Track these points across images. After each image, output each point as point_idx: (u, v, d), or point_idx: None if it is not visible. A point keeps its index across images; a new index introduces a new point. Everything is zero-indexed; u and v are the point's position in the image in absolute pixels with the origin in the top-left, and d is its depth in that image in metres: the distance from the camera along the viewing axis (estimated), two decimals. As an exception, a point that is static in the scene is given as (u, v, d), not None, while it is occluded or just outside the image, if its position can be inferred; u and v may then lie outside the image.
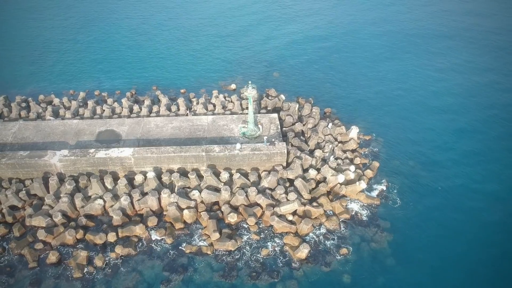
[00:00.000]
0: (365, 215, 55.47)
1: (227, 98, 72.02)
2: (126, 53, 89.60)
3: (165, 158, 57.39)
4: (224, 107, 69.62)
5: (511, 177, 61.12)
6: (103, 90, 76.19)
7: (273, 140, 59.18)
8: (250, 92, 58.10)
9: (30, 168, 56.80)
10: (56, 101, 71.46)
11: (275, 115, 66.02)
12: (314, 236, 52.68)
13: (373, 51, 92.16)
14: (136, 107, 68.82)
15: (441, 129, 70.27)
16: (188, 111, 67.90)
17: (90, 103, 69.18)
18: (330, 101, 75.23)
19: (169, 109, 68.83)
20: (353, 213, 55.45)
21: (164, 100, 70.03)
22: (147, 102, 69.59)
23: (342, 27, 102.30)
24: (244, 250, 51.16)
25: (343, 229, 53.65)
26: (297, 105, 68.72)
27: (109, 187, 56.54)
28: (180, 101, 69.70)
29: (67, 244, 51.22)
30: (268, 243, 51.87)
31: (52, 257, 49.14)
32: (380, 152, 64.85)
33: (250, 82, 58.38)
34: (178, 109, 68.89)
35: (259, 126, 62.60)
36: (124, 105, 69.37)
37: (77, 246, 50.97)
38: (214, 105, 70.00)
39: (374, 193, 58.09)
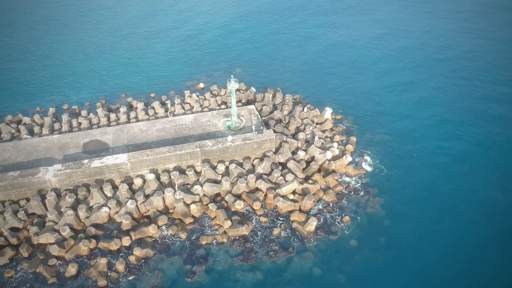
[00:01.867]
0: (355, 185, 60.55)
1: (200, 97, 73.94)
2: (87, 64, 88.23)
3: (161, 159, 58.55)
4: (200, 105, 71.50)
5: (469, 131, 69.70)
6: (71, 103, 74.75)
7: (261, 128, 62.49)
8: (233, 86, 60.76)
9: (23, 188, 55.33)
10: (26, 119, 69.29)
11: (253, 106, 69.25)
12: (317, 210, 56.82)
13: (322, 39, 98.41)
14: (113, 116, 68.83)
15: (399, 99, 77.88)
16: (168, 113, 69.05)
17: (65, 117, 68.01)
18: (295, 88, 79.66)
19: (147, 113, 69.50)
20: (345, 185, 60.33)
21: (139, 105, 70.50)
22: (123, 109, 69.65)
23: (285, 21, 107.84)
24: (257, 233, 54.11)
25: (340, 200, 58.29)
26: (271, 95, 72.47)
27: (109, 195, 56.67)
28: (156, 104, 70.69)
29: (81, 255, 51.00)
30: (277, 223, 55.18)
31: (72, 269, 48.84)
32: (353, 128, 70.48)
33: (232, 76, 61.01)
34: (156, 113, 69.79)
35: (241, 118, 65.58)
36: (100, 114, 68.99)
37: (92, 256, 51.05)
38: (190, 105, 71.71)
39: (359, 165, 63.42)
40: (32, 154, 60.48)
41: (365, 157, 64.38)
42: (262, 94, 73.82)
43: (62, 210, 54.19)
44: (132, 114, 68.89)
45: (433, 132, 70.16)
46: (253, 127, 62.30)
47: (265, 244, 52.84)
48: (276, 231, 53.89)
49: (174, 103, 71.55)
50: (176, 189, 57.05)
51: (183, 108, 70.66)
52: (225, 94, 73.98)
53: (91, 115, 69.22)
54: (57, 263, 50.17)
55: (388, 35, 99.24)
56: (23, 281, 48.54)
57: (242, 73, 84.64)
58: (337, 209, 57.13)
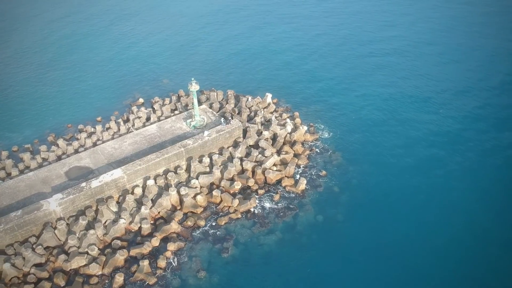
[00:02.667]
0: (316, 147, 72.06)
1: (147, 109, 77.96)
2: (16, 103, 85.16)
3: (152, 165, 62.47)
4: (157, 116, 75.70)
5: (391, 92, 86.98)
6: (19, 143, 72.50)
7: (229, 119, 70.06)
8: (195, 87, 67.29)
9: (30, 225, 54.58)
10: (-21, 168, 65.88)
11: (204, 106, 76.18)
12: (299, 173, 66.82)
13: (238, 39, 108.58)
14: (75, 144, 69.43)
15: (320, 77, 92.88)
16: (131, 127, 72.03)
17: (25, 156, 66.69)
18: (229, 85, 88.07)
19: (109, 133, 71.57)
20: (310, 149, 71.39)
21: (98, 128, 72.09)
22: (83, 135, 70.60)
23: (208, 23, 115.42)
24: (261, 203, 61.99)
25: (311, 161, 69.15)
26: (215, 94, 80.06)
27: (115, 209, 58.93)
28: (112, 124, 73.05)
29: (119, 266, 53.09)
30: (274, 192, 63.74)
31: (119, 279, 50.99)
32: (292, 105, 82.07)
33: (193, 78, 67.49)
34: (119, 129, 72.27)
35: (202, 116, 72.26)
36: (61, 146, 68.98)
37: (128, 264, 53.50)
38: (140, 118, 75.34)
39: (312, 132, 74.98)
40: (17, 195, 59.10)
41: (312, 126, 76.26)
42: (205, 96, 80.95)
43: (77, 234, 55.06)
44: (94, 138, 70.37)
45: (354, 98, 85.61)
46: (222, 120, 69.64)
47: (272, 209, 61.11)
48: (276, 197, 62.48)
49: (129, 119, 74.58)
50: (175, 187, 61.67)
51: (140, 121, 74.18)
52: (170, 102, 79.33)
53: (53, 147, 68.77)
54: (99, 280, 51.63)
55: (292, 29, 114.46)
56: (75, 305, 49.32)
57: (170, 82, 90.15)
58: (313, 168, 67.94)
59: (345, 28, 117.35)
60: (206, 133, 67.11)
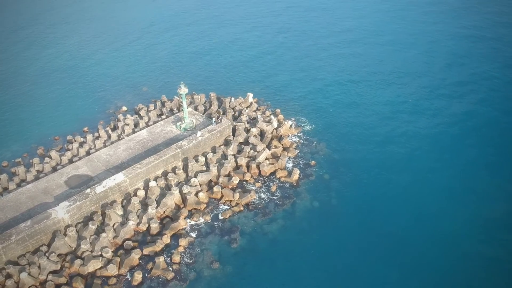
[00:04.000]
0: (302, 140, 76.34)
1: (134, 116, 79.39)
2: (2, 118, 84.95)
3: (152, 168, 64.37)
4: (145, 122, 77.28)
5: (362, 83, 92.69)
6: (8, 159, 72.08)
7: (220, 119, 72.95)
8: (184, 90, 69.75)
9: (40, 234, 55.11)
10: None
11: (190, 109, 78.61)
12: (290, 164, 70.68)
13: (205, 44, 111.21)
14: (68, 154, 69.93)
15: (293, 74, 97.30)
16: (122, 134, 73.31)
17: (20, 169, 66.64)
18: (202, 89, 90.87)
19: (101, 141, 72.50)
20: (296, 142, 75.52)
21: (89, 137, 72.87)
22: (75, 145, 71.22)
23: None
24: (260, 195, 65.27)
25: (299, 153, 73.24)
26: (199, 97, 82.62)
27: (121, 212, 60.36)
28: (102, 132, 74.06)
29: (134, 265, 54.66)
30: (270, 183, 67.22)
31: (138, 276, 52.62)
32: (272, 103, 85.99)
33: (182, 82, 69.93)
34: (109, 137, 73.35)
35: (191, 118, 74.77)
36: (54, 157, 69.35)
37: (143, 262, 55.22)
38: (129, 124, 76.75)
39: (295, 126, 79.19)
40: (20, 207, 59.28)
41: (294, 121, 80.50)
42: (188, 100, 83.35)
43: (88, 239, 56.16)
44: (86, 147, 71.18)
45: (325, 89, 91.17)
46: (213, 120, 72.43)
47: (270, 200, 64.58)
48: (273, 188, 66.01)
49: (118, 126, 75.81)
50: (177, 187, 63.82)
51: (129, 128, 75.56)
52: (155, 108, 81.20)
53: (47, 159, 68.97)
54: (117, 281, 53.03)
55: (258, 27, 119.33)
56: (97, 307, 50.62)
57: (149, 90, 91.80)
58: (302, 159, 72.03)
59: (303, 24, 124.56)
60: (199, 133, 69.68)
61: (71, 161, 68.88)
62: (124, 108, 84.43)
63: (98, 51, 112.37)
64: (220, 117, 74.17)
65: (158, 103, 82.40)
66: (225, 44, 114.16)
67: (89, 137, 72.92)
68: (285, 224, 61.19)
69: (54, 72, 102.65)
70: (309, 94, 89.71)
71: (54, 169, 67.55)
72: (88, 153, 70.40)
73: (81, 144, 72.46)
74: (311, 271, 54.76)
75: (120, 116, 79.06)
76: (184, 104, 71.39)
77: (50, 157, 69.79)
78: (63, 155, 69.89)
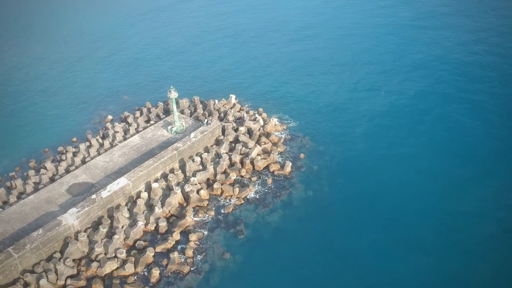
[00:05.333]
0: (288, 135, 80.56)
1: (121, 124, 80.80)
2: None
3: (152, 170, 66.39)
4: (135, 128, 78.85)
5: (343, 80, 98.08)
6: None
7: (211, 119, 75.88)
8: (174, 94, 72.21)
9: (52, 242, 55.99)
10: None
11: (178, 113, 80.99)
12: (281, 158, 74.65)
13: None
14: (63, 164, 70.54)
15: (270, 75, 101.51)
16: (115, 141, 74.61)
17: (18, 182, 66.73)
18: (183, 94, 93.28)
19: (95, 150, 73.51)
20: (283, 137, 79.63)
21: (81, 146, 73.72)
22: (69, 155, 71.92)
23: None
24: (258, 188, 68.75)
25: (287, 147, 77.34)
26: (183, 101, 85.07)
27: (127, 215, 62.05)
28: (93, 141, 75.08)
29: (149, 263, 56.64)
30: (265, 177, 70.85)
31: (156, 273, 54.68)
32: (252, 103, 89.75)
33: (172, 86, 72.39)
34: (102, 145, 74.48)
35: (181, 121, 77.26)
36: (50, 168, 69.78)
37: (157, 259, 57.30)
38: (118, 132, 78.10)
39: (279, 123, 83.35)
40: (26, 218, 59.76)
41: (277, 118, 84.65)
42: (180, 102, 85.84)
43: (101, 242, 57.58)
44: (81, 156, 72.05)
45: (301, 86, 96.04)
46: (205, 121, 75.24)
47: (268, 192, 68.18)
48: (269, 181, 69.66)
49: (108, 134, 76.99)
50: (179, 186, 66.18)
51: (120, 135, 76.97)
52: (141, 115, 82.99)
53: (42, 170, 69.30)
54: (135, 279, 54.85)
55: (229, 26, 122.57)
56: (121, 305, 52.32)
57: (130, 98, 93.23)
58: (291, 153, 76.19)
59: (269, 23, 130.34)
60: (192, 134, 72.32)
61: (67, 171, 69.53)
62: (110, 117, 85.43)
63: (74, 63, 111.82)
64: (211, 118, 77.09)
65: (145, 110, 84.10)
66: (198, 50, 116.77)
67: (82, 146, 73.74)
68: (284, 213, 64.93)
69: (32, 86, 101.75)
70: (287, 93, 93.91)
71: (52, 180, 68.03)
72: (83, 162, 71.25)
73: (75, 154, 73.13)
74: (313, 254, 58.55)
75: (108, 125, 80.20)
76: (174, 107, 73.83)
77: (45, 168, 70.10)
78: (58, 165, 70.37)
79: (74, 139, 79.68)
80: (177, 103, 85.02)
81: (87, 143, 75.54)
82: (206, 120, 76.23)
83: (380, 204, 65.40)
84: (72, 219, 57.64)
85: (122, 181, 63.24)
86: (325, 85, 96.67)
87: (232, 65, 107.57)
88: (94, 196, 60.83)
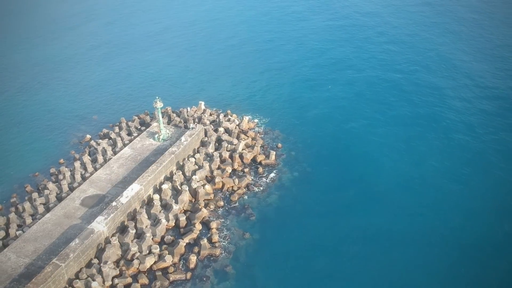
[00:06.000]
0: (262, 129, 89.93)
1: (104, 139, 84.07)
2: None
3: (157, 174, 71.67)
4: (123, 142, 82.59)
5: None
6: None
7: (196, 124, 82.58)
8: (159, 104, 78.03)
9: (88, 249, 59.38)
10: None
11: (155, 123, 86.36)
12: (263, 150, 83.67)
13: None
14: (63, 182, 72.64)
15: (228, 78, 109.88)
16: (107, 155, 78.01)
17: (27, 205, 68.12)
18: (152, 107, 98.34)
19: (92, 166, 76.39)
20: (258, 132, 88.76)
21: (76, 164, 76.13)
22: (67, 173, 74.11)
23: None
24: (252, 177, 77.08)
25: (264, 140, 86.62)
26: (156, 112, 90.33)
27: (146, 216, 66.87)
28: (85, 158, 77.87)
29: (183, 253, 62.40)
30: (255, 167, 79.35)
31: (193, 259, 60.78)
32: (219, 106, 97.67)
33: (157, 97, 78.10)
34: (96, 160, 77.50)
35: (167, 129, 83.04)
36: (52, 188, 71.61)
37: (189, 248, 63.28)
38: (105, 148, 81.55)
39: (251, 120, 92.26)
40: (52, 234, 62.14)
41: (248, 116, 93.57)
42: (149, 117, 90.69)
43: (132, 243, 62.10)
44: (78, 173, 74.65)
45: (260, 85, 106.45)
46: (191, 125, 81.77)
47: (262, 179, 76.94)
48: (260, 170, 78.35)
49: (98, 151, 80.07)
50: (187, 185, 72.13)
51: (110, 150, 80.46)
52: (121, 130, 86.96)
53: (45, 192, 70.88)
54: (174, 268, 60.33)
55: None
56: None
57: (100, 117, 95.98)
58: (269, 144, 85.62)
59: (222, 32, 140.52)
60: (183, 138, 78.60)
61: (71, 188, 72.01)
62: (88, 136, 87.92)
63: (38, 90, 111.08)
64: (196, 123, 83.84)
65: (123, 125, 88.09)
66: (158, 65, 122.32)
67: (77, 164, 76.27)
68: (280, 194, 74.18)
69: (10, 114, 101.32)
70: (250, 94, 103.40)
71: (59, 198, 70.14)
72: (83, 178, 74.02)
73: (72, 172, 75.40)
74: (310, 219, 70.02)
75: (92, 142, 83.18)
76: (160, 117, 79.54)
77: (47, 188, 71.74)
78: (59, 184, 72.46)
79: (61, 160, 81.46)
80: (154, 114, 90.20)
81: (78, 162, 77.92)
82: (191, 125, 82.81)
83: (349, 168, 79.71)
84: (101, 226, 61.39)
85: (135, 187, 67.88)
86: (271, 83, 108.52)
87: (181, 76, 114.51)
88: (114, 203, 64.88)
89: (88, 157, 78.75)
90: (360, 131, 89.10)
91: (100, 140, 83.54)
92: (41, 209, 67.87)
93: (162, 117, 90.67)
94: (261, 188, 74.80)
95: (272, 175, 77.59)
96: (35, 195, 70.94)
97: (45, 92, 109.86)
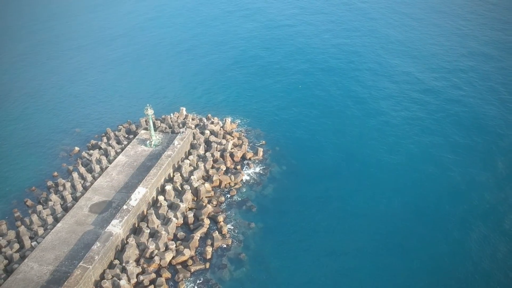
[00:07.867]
0: (244, 129, 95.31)
1: (95, 150, 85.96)
2: None
3: (158, 177, 75.09)
4: (115, 151, 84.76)
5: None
6: (4, 216, 72.36)
7: (185, 128, 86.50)
8: (150, 112, 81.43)
9: (109, 252, 61.98)
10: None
11: (143, 130, 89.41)
12: (250, 147, 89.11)
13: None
14: (65, 193, 74.13)
15: (208, 81, 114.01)
16: (103, 164, 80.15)
17: (34, 218, 69.02)
18: (136, 115, 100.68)
19: (91, 176, 78.23)
20: (242, 132, 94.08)
21: (75, 175, 77.65)
22: (67, 184, 75.62)
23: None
24: (249, 171, 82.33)
25: (248, 138, 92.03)
26: (143, 120, 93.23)
27: (156, 216, 70.24)
28: (82, 169, 79.58)
29: (197, 246, 66.50)
30: (246, 163, 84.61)
31: (209, 250, 65.12)
32: (203, 110, 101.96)
33: (148, 104, 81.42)
34: (93, 170, 79.39)
35: (157, 135, 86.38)
36: (55, 199, 72.94)
37: (202, 242, 67.44)
38: (99, 157, 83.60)
39: (233, 121, 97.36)
40: (68, 241, 64.08)
41: (230, 116, 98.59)
42: (135, 125, 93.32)
43: (147, 242, 65.40)
44: (78, 183, 76.39)
45: (236, 88, 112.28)
46: (181, 130, 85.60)
47: (254, 173, 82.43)
48: (251, 166, 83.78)
49: (92, 161, 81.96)
50: (188, 184, 76.02)
51: (104, 159, 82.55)
52: (110, 139, 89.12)
53: (49, 203, 72.16)
54: (193, 261, 64.33)
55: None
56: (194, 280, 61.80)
57: (82, 130, 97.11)
58: (254, 142, 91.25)
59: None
60: (176, 142, 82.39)
61: (74, 198, 73.71)
62: (77, 148, 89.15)
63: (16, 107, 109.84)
64: (185, 127, 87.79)
65: (111, 135, 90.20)
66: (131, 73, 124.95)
67: (75, 175, 77.77)
68: (274, 186, 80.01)
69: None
70: (225, 97, 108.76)
71: (65, 208, 71.70)
72: (85, 187, 75.86)
73: (72, 183, 76.89)
74: (302, 205, 76.45)
75: (85, 154, 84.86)
76: (151, 123, 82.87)
77: (51, 200, 72.98)
78: (61, 196, 73.95)
79: (55, 173, 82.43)
80: (141, 122, 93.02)
81: (75, 174, 79.37)
82: (181, 129, 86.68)
83: (329, 157, 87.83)
84: (117, 229, 64.17)
85: (141, 190, 71.01)
86: (243, 86, 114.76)
87: (175, 82, 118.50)
88: (125, 206, 67.77)
89: (83, 168, 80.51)
90: (334, 124, 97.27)
91: (91, 151, 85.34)
92: (50, 219, 69.22)
93: (146, 124, 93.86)
94: (256, 182, 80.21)
95: (263, 169, 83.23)
96: (39, 207, 72.01)
97: (29, 109, 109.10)
